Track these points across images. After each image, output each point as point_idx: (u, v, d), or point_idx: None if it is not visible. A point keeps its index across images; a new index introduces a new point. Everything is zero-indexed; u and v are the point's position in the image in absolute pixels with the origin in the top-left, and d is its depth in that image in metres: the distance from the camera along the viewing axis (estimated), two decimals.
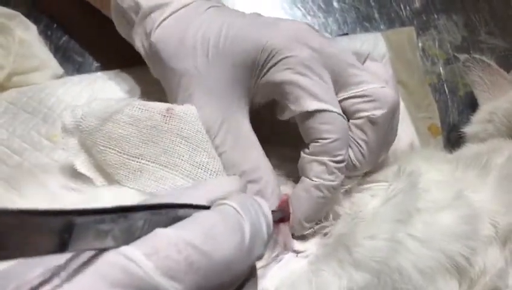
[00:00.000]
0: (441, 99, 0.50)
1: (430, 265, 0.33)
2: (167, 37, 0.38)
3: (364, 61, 0.39)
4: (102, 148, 0.35)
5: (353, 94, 0.37)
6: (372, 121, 0.37)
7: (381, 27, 0.53)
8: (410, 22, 0.53)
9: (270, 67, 0.36)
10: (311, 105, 0.35)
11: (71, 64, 0.49)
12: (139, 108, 0.36)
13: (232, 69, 0.37)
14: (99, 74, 0.46)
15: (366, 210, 0.36)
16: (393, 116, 0.38)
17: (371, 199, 0.37)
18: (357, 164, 0.37)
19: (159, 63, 0.39)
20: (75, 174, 0.37)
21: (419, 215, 0.35)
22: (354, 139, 0.37)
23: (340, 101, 0.37)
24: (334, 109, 0.36)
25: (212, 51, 0.37)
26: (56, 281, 0.19)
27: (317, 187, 0.36)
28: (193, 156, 0.35)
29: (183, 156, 0.35)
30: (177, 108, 0.36)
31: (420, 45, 0.52)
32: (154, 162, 0.35)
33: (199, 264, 0.21)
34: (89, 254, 0.20)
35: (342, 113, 0.36)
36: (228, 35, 0.37)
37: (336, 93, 0.37)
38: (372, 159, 0.38)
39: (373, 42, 0.49)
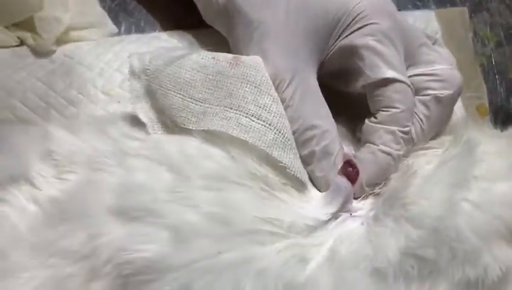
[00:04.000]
0: (489, 81, 0.50)
1: (485, 229, 0.33)
2: None
3: (433, 44, 0.41)
4: (166, 91, 0.36)
5: (423, 72, 0.38)
6: (438, 99, 0.38)
7: (432, 6, 0.53)
8: (462, 3, 0.53)
9: (353, 31, 0.37)
10: (388, 73, 0.36)
11: (124, 25, 0.49)
12: (206, 55, 0.36)
13: (310, 27, 0.37)
14: (155, 33, 0.47)
15: (422, 171, 0.36)
16: (457, 98, 0.39)
17: (426, 164, 0.37)
18: (415, 138, 0.38)
19: (232, 14, 0.39)
20: (134, 124, 0.38)
21: (476, 182, 0.35)
22: (417, 114, 0.38)
23: (409, 76, 0.38)
24: (407, 81, 0.37)
25: (294, 5, 0.37)
26: None
27: (384, 152, 0.37)
28: (257, 99, 0.35)
29: (247, 98, 0.35)
30: (243, 57, 0.37)
31: (471, 26, 0.52)
32: (218, 105, 0.36)
33: None
34: None
35: (412, 87, 0.37)
36: None
37: (406, 68, 0.38)
38: (429, 135, 0.39)
39: (426, 20, 0.49)
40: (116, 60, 0.45)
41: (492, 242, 0.34)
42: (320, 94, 0.38)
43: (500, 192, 0.35)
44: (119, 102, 0.43)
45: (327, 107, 0.38)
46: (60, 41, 0.45)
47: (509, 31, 0.51)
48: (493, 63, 0.51)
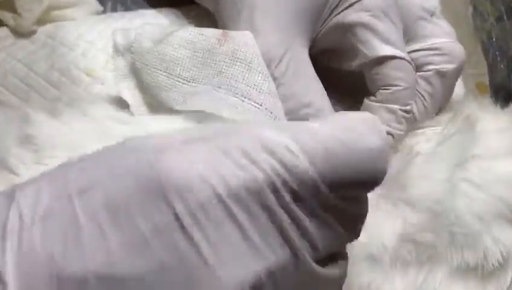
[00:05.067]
0: (489, 58, 0.48)
1: (486, 210, 0.32)
2: None
3: (431, 17, 0.39)
4: (152, 70, 0.34)
5: (424, 46, 0.37)
6: (441, 74, 0.37)
7: None
8: None
9: (346, 7, 0.36)
10: (385, 50, 0.35)
11: (110, 3, 0.47)
12: (194, 32, 0.35)
13: (301, 3, 0.35)
14: (142, 11, 0.45)
15: (421, 151, 0.35)
16: (460, 72, 0.38)
17: (426, 143, 0.36)
18: (418, 116, 0.37)
19: None
20: (118, 105, 0.36)
21: (475, 160, 0.34)
22: (419, 91, 0.37)
23: (409, 53, 0.37)
24: (407, 57, 0.35)
25: None
26: None
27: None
28: (247, 77, 0.34)
29: (237, 77, 0.34)
30: (232, 32, 0.35)
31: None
32: (206, 84, 0.34)
33: (336, 151, 0.20)
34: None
35: (412, 63, 0.36)
36: None
37: (405, 44, 0.37)
38: (432, 113, 0.38)
39: None
40: (100, 40, 0.43)
41: (493, 224, 0.33)
42: (313, 70, 0.36)
43: (501, 171, 0.34)
44: (102, 84, 0.41)
45: (320, 83, 0.36)
46: (41, 21, 0.43)
47: (511, 5, 0.50)
48: (493, 38, 0.49)
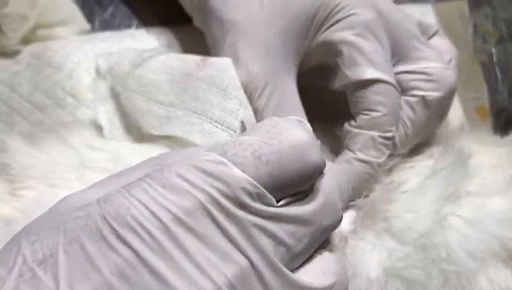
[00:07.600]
0: (490, 80, 0.47)
1: (479, 248, 0.31)
2: None
3: (431, 37, 0.37)
4: (131, 93, 0.34)
5: (412, 69, 0.35)
6: (426, 101, 0.35)
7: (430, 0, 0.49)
8: None
9: (331, 25, 0.34)
10: (368, 73, 0.33)
11: (98, 21, 0.46)
12: (174, 57, 0.35)
13: (286, 24, 0.34)
14: (129, 31, 0.44)
15: (409, 183, 0.33)
16: (449, 101, 0.36)
17: (414, 177, 0.34)
18: (398, 143, 0.35)
19: (206, 13, 0.36)
20: (98, 132, 0.35)
21: (469, 198, 0.32)
22: (402, 116, 0.35)
23: (395, 74, 0.35)
24: (391, 81, 0.33)
25: (269, 2, 0.34)
26: None
27: (361, 161, 0.33)
28: (224, 103, 0.33)
29: (213, 103, 0.33)
30: (211, 58, 0.34)
31: (471, 21, 0.48)
32: (182, 109, 0.33)
33: (264, 153, 0.21)
34: None
35: (397, 87, 0.34)
36: None
37: (393, 65, 0.35)
38: (414, 141, 0.36)
39: (421, 14, 0.45)
40: (87, 60, 0.41)
41: (487, 264, 0.31)
42: (298, 101, 0.35)
43: (495, 208, 0.32)
44: (88, 107, 0.40)
45: (304, 112, 0.35)
46: (27, 40, 0.42)
47: None
48: (494, 60, 0.47)
